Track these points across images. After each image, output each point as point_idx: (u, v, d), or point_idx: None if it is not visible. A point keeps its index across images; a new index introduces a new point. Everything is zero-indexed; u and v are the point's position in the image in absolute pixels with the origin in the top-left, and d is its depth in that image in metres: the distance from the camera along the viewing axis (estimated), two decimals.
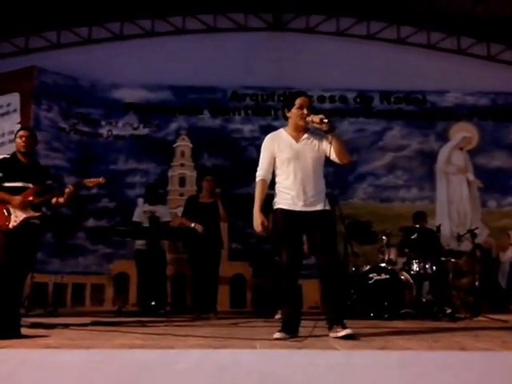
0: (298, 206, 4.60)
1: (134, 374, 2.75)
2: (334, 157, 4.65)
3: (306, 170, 4.64)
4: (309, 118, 4.58)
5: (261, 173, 4.79)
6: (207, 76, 10.66)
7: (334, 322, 4.50)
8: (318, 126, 4.54)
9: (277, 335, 4.38)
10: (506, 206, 10.79)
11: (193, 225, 7.78)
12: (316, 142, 4.72)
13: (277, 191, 4.76)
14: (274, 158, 4.75)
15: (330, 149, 4.62)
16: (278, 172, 4.76)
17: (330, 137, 4.59)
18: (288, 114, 4.79)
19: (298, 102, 4.70)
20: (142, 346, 3.87)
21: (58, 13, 10.53)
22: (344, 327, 4.41)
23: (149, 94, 10.95)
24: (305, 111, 4.64)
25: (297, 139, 4.74)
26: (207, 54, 10.90)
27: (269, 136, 4.89)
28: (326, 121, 4.48)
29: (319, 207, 4.61)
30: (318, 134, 4.72)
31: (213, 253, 7.79)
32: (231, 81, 10.89)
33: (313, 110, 4.68)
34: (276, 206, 4.72)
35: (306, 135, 4.74)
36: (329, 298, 4.62)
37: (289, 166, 4.67)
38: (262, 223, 4.63)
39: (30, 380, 2.65)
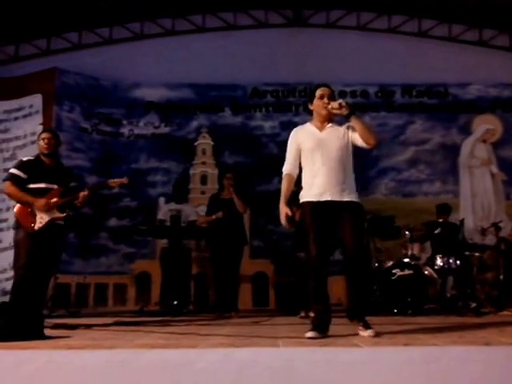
0: (325, 196, 4.56)
1: (157, 373, 2.76)
2: (360, 142, 4.63)
3: (330, 158, 4.60)
4: (329, 106, 4.59)
5: (286, 167, 4.81)
6: (228, 73, 10.65)
7: (357, 316, 4.51)
8: (338, 111, 4.56)
9: (309, 334, 4.27)
10: None
11: (214, 216, 7.80)
12: (341, 130, 4.71)
13: (303, 184, 4.74)
14: (300, 151, 4.76)
15: (354, 134, 4.64)
16: (303, 164, 4.75)
17: (351, 120, 4.61)
18: (311, 107, 4.83)
19: (318, 92, 4.76)
20: (165, 345, 3.88)
21: (79, 14, 10.58)
22: (367, 327, 4.38)
23: (170, 92, 10.96)
24: (325, 100, 4.67)
25: (321, 129, 4.74)
26: (227, 51, 10.88)
27: (293, 130, 4.93)
28: (344, 104, 4.52)
29: (348, 198, 4.58)
30: (343, 124, 4.73)
31: (236, 250, 7.80)
32: (252, 78, 10.85)
33: (333, 99, 4.71)
34: (302, 200, 4.70)
35: (330, 124, 4.74)
36: (353, 292, 4.59)
37: (313, 156, 4.66)
38: (286, 215, 4.63)
39: (53, 380, 2.67)
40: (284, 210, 4.65)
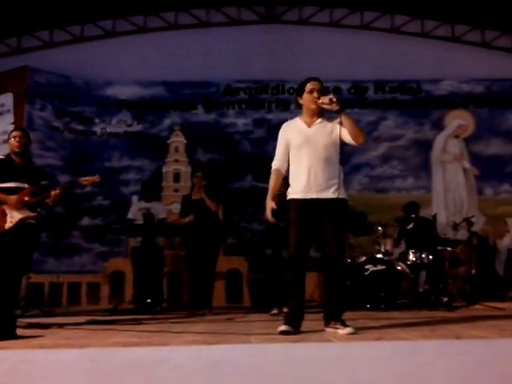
0: (310, 194, 4.53)
1: (129, 371, 2.75)
2: (348, 139, 4.58)
3: (317, 154, 4.56)
4: (319, 101, 4.53)
5: (275, 162, 4.80)
6: (200, 71, 10.63)
7: (333, 317, 4.44)
8: (328, 106, 4.49)
9: (282, 328, 4.30)
10: (502, 194, 10.77)
11: (187, 219, 7.77)
12: (329, 126, 4.64)
13: (290, 181, 4.72)
14: (289, 147, 4.73)
15: (343, 131, 4.57)
16: (290, 160, 4.72)
17: (341, 117, 4.54)
18: (301, 101, 4.77)
19: (308, 86, 4.68)
20: (137, 343, 3.87)
21: (50, 12, 10.49)
22: (344, 325, 4.34)
23: (142, 90, 10.95)
24: (315, 94, 4.60)
25: (309, 124, 4.69)
26: (200, 48, 10.88)
27: (283, 125, 4.89)
28: (335, 100, 4.45)
29: (333, 195, 4.53)
30: (332, 119, 4.66)
31: (212, 247, 7.77)
32: (224, 75, 10.86)
33: (324, 93, 4.64)
34: (289, 197, 4.68)
35: (319, 120, 4.69)
36: (330, 292, 4.55)
37: (300, 152, 4.63)
38: (272, 210, 4.64)
39: (26, 380, 2.65)
40: (270, 205, 4.66)
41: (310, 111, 4.69)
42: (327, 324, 4.46)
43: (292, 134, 4.71)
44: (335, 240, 4.51)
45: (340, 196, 4.58)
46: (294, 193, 4.64)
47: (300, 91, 4.77)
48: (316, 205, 4.51)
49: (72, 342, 4.03)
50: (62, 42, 11.18)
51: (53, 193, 5.50)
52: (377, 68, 10.90)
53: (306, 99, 4.69)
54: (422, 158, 10.87)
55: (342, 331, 4.24)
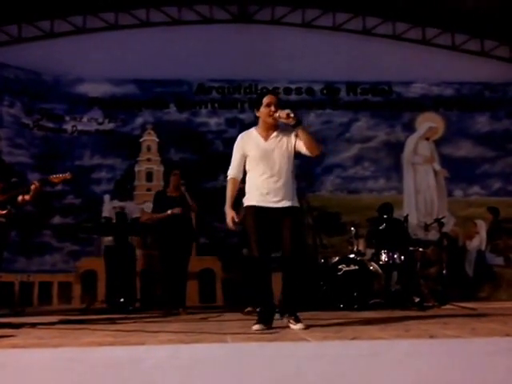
0: (267, 203, 4.74)
1: (105, 371, 2.70)
2: (304, 150, 4.78)
3: (274, 167, 4.76)
4: (276, 114, 4.71)
5: (231, 172, 4.97)
6: (172, 69, 10.54)
7: (287, 311, 4.70)
8: (285, 120, 4.68)
9: (255, 327, 4.49)
10: (471, 195, 10.89)
11: (169, 212, 7.63)
12: (285, 139, 4.84)
13: (247, 188, 4.90)
14: (245, 157, 4.89)
15: (298, 143, 4.78)
16: (247, 169, 4.90)
17: (297, 130, 4.72)
18: (257, 114, 4.92)
19: (265, 100, 4.85)
20: (112, 343, 3.83)
21: (19, 6, 10.31)
22: (298, 321, 4.58)
23: (113, 88, 10.82)
24: (272, 108, 4.77)
25: (266, 138, 4.86)
26: (172, 46, 10.79)
27: (240, 136, 5.02)
28: (292, 115, 4.61)
29: (288, 203, 4.76)
30: (287, 132, 4.85)
31: (184, 247, 7.72)
32: (197, 74, 10.79)
33: (280, 107, 4.79)
34: (246, 204, 4.86)
35: (274, 133, 4.86)
36: (287, 289, 4.75)
37: (258, 164, 4.81)
38: (232, 218, 4.79)
39: None
40: (230, 213, 4.82)
41: (267, 124, 4.87)
42: (282, 315, 4.77)
43: (249, 146, 4.88)
44: (290, 245, 4.72)
45: (293, 204, 4.82)
46: (251, 200, 4.84)
47: (257, 104, 4.93)
48: (272, 212, 4.74)
49: (46, 342, 3.96)
50: (31, 38, 10.95)
51: (32, 187, 5.43)
52: (349, 69, 10.93)
53: (263, 112, 4.86)
54: (393, 160, 10.94)
55: (295, 326, 4.51)
